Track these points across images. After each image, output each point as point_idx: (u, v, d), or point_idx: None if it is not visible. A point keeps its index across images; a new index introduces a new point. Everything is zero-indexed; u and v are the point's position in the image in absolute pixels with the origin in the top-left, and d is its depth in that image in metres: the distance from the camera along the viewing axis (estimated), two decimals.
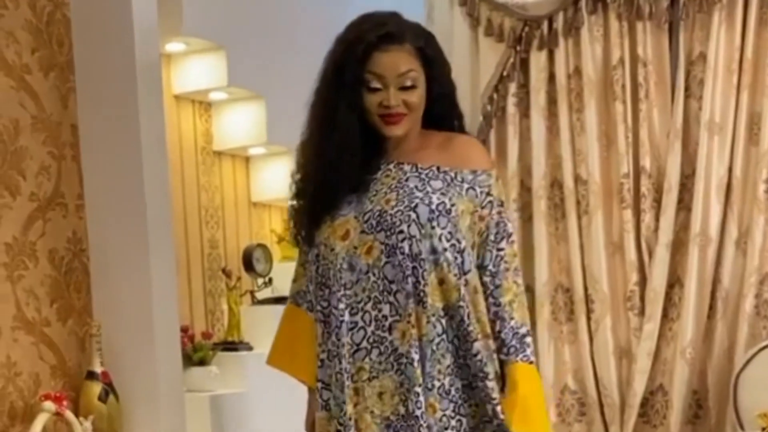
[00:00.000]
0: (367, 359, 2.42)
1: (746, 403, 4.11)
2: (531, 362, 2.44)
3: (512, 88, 4.60)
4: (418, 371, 2.37)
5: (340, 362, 2.42)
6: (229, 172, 4.20)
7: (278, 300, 4.14)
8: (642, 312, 4.52)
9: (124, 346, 3.52)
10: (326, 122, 2.42)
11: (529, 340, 2.45)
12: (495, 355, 2.42)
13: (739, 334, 4.40)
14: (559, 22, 4.59)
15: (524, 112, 4.63)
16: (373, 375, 2.42)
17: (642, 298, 4.52)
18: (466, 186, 2.43)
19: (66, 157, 3.50)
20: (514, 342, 2.41)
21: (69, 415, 3.30)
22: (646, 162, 4.53)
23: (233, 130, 4.11)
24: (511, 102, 4.60)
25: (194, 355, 3.85)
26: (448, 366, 2.42)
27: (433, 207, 2.38)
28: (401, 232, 2.37)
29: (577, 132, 4.61)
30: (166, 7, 3.59)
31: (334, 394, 2.47)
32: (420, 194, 2.39)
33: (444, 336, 2.40)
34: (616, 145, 4.56)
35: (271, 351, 2.78)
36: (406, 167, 2.44)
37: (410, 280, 2.37)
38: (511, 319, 2.42)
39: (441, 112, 2.54)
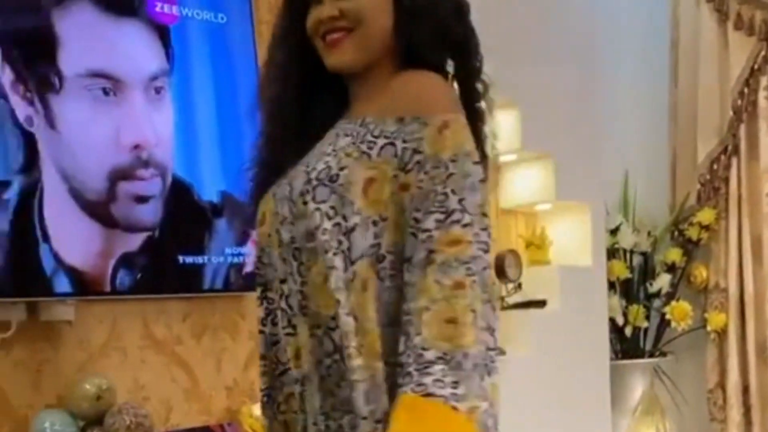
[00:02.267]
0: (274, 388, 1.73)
1: None
2: (429, 395, 1.47)
3: (764, 81, 4.46)
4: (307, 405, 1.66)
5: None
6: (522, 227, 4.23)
7: (528, 304, 4.13)
8: None
9: None
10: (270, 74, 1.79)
11: (438, 368, 1.48)
12: (384, 387, 1.57)
13: None
14: None
15: None
16: (281, 410, 1.71)
17: None
18: (381, 142, 1.61)
19: None
20: (411, 367, 1.50)
21: None
22: None
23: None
24: (762, 96, 4.46)
25: None
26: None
27: (312, 176, 1.62)
28: (277, 213, 1.69)
29: None
30: None
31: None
32: (316, 163, 1.65)
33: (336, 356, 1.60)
34: None
35: None
36: (341, 124, 1.71)
37: (292, 278, 1.65)
38: (417, 334, 1.51)
39: (424, 45, 1.70)
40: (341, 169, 1.60)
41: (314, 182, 1.61)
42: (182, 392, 3.02)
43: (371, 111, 1.66)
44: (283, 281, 1.65)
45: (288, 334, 1.65)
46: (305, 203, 1.61)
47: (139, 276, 2.80)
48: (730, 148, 4.50)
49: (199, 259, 2.96)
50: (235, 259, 3.03)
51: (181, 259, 2.92)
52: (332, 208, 1.59)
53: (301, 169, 1.65)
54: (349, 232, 1.59)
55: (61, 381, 2.70)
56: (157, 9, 2.90)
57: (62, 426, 2.56)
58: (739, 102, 4.47)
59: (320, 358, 1.60)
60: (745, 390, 4.43)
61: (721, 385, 4.49)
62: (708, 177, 4.54)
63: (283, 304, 1.65)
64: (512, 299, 4.17)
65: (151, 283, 2.85)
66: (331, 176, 1.60)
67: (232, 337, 3.17)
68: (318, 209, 1.59)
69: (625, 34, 4.75)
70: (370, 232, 1.59)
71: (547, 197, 4.22)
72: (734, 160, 4.50)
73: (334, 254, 1.58)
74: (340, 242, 1.58)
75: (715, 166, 4.53)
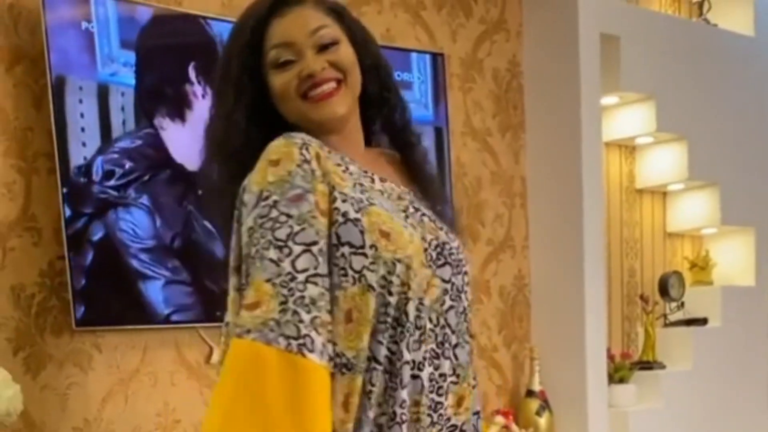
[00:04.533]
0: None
1: None
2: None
3: None
4: None
5: None
6: (648, 207, 4.57)
7: (690, 322, 4.50)
8: None
9: (557, 367, 4.02)
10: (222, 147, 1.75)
11: None
12: None
13: None
14: None
15: None
16: None
17: None
18: None
19: (516, 205, 4.04)
20: None
21: (514, 427, 3.87)
22: None
23: (655, 170, 4.48)
24: None
25: (615, 374, 4.26)
26: None
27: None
28: (466, 273, 1.76)
29: None
30: (607, 67, 4.01)
31: None
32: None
33: None
34: None
35: None
36: (398, 187, 1.77)
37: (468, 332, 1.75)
38: None
39: (375, 96, 1.83)
40: None
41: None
42: None
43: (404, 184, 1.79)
44: (454, 332, 1.72)
45: (452, 383, 1.72)
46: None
47: None
48: None
49: None
50: None
51: None
52: None
53: (385, 227, 1.64)
54: None
55: None
56: None
57: None
58: None
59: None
60: None
61: None
62: None
63: (451, 354, 1.72)
64: (674, 317, 4.55)
65: None
66: None
67: None
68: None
69: None
70: None
71: (712, 222, 4.56)
72: None
73: None
74: None
75: None
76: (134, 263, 2.91)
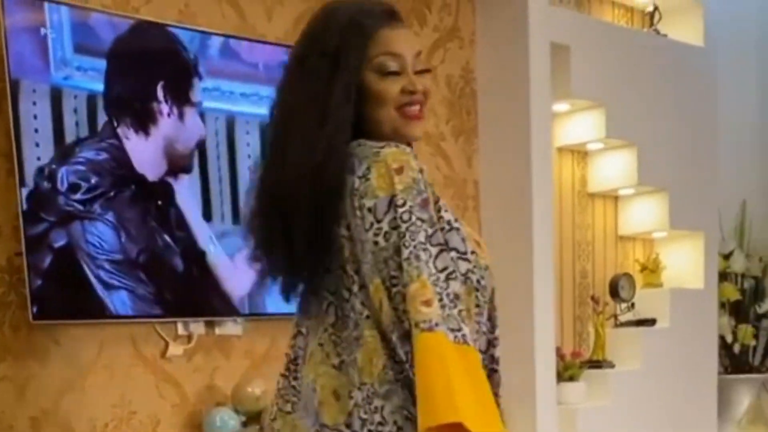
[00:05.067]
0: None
1: None
2: None
3: None
4: None
5: None
6: (600, 210, 4.71)
7: (639, 323, 4.63)
8: None
9: (507, 365, 4.12)
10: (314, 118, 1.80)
11: None
12: None
13: None
14: None
15: None
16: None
17: None
18: None
19: (468, 208, 4.17)
20: None
21: None
22: None
23: (606, 175, 4.62)
24: None
25: (565, 372, 4.38)
26: None
27: None
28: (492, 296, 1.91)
29: None
30: (557, 75, 4.14)
31: None
32: None
33: None
34: None
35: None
36: None
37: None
38: None
39: None
40: None
41: None
42: None
43: None
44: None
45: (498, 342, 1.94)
46: None
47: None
48: None
49: None
50: None
51: None
52: None
53: (474, 237, 1.86)
54: None
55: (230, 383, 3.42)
56: None
57: (229, 419, 3.29)
58: None
59: None
60: None
61: None
62: None
63: (496, 316, 1.92)
64: (625, 317, 4.69)
65: None
66: None
67: None
68: None
69: (744, 76, 5.14)
70: None
71: (662, 226, 4.70)
72: None
73: None
74: None
75: None
76: (94, 268, 3.04)
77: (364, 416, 1.75)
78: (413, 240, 1.68)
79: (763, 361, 5.00)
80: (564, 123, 4.45)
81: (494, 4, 4.08)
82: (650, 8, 4.71)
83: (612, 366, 4.49)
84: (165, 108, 3.15)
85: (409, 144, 1.84)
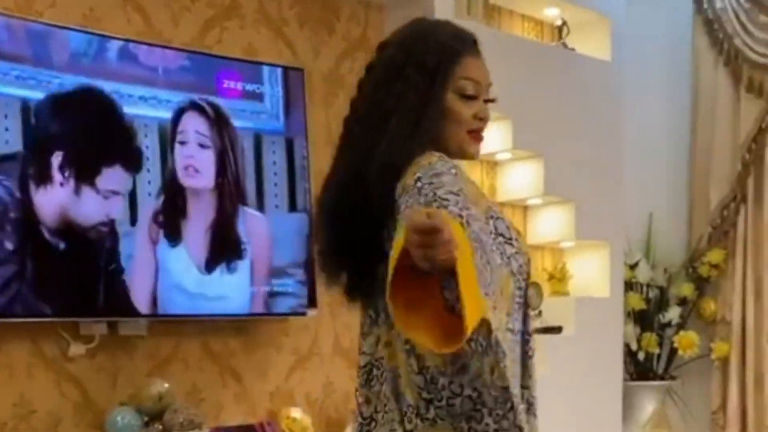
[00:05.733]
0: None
1: None
2: None
3: None
4: None
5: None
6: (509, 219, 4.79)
7: (546, 330, 4.74)
8: None
9: None
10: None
11: None
12: None
13: None
14: None
15: None
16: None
17: None
18: None
19: None
20: None
21: None
22: None
23: (515, 184, 4.74)
24: None
25: None
26: None
27: None
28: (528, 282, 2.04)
29: None
30: None
31: None
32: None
33: None
34: None
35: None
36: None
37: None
38: None
39: None
40: None
41: None
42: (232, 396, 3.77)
43: None
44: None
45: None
46: None
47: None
48: (738, 196, 5.04)
49: None
50: None
51: None
52: None
53: (515, 227, 2.02)
54: None
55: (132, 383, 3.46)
56: None
57: (131, 419, 3.32)
58: (748, 156, 5.00)
59: None
60: (743, 413, 4.97)
61: (723, 407, 5.03)
62: (719, 221, 5.09)
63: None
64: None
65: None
66: None
67: (277, 351, 3.89)
68: None
69: (651, 91, 5.30)
70: None
71: (568, 236, 4.83)
72: (742, 208, 5.04)
73: None
74: None
75: (725, 212, 5.07)
76: None
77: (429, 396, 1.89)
78: (435, 194, 1.78)
79: (666, 369, 5.14)
80: None
81: (402, 15, 4.14)
82: (559, 22, 4.84)
83: (559, 330, 4.57)
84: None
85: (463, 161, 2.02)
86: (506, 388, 1.85)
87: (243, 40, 3.77)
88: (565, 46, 4.81)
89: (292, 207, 3.80)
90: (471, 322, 1.64)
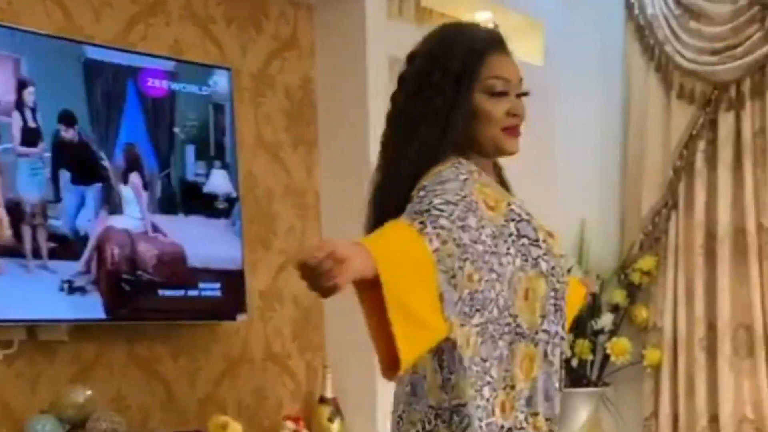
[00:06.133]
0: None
1: None
2: None
3: (701, 145, 4.96)
4: None
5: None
6: None
7: None
8: None
9: (350, 374, 4.14)
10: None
11: None
12: None
13: None
14: (746, 86, 4.96)
15: (711, 167, 4.97)
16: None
17: None
18: None
19: (309, 218, 4.16)
20: None
21: None
22: None
23: None
24: (699, 158, 4.97)
25: None
26: None
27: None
28: (567, 283, 2.11)
29: (761, 185, 4.96)
30: None
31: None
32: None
33: None
34: None
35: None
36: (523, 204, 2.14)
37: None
38: None
39: None
40: None
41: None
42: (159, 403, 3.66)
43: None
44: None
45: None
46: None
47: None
48: (669, 203, 5.03)
49: None
50: None
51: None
52: None
53: (546, 230, 2.10)
54: None
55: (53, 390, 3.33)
56: None
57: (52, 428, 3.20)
58: (679, 163, 5.00)
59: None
60: (675, 419, 4.96)
61: (655, 414, 5.01)
62: (650, 228, 5.08)
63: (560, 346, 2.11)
64: None
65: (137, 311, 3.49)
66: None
67: (205, 357, 3.79)
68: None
69: (583, 97, 5.30)
70: None
71: None
72: (673, 214, 5.03)
73: None
74: None
75: (656, 219, 5.06)
76: None
77: None
78: (431, 203, 1.89)
79: (600, 375, 5.12)
80: None
81: (332, 15, 4.12)
82: (491, 26, 4.81)
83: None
84: None
85: (494, 160, 2.16)
86: (463, 405, 1.93)
87: (169, 37, 3.69)
88: None
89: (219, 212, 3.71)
90: (404, 353, 1.73)
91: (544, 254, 2.02)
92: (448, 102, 2.02)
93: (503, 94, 2.06)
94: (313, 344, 4.16)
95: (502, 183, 2.23)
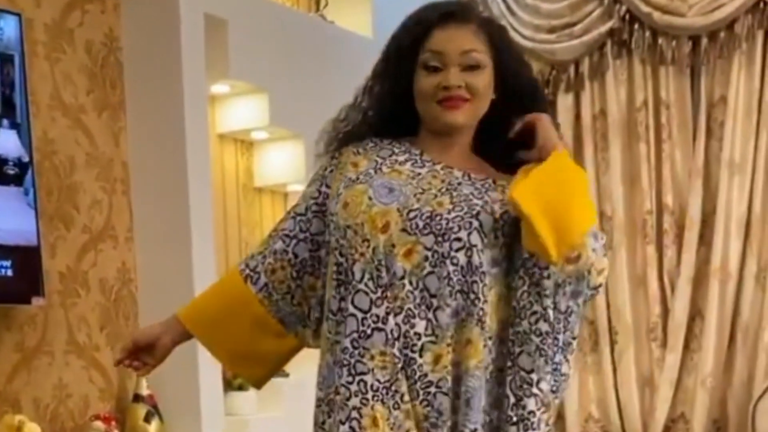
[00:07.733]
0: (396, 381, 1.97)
1: (764, 430, 4.28)
2: None
3: None
4: (449, 404, 1.97)
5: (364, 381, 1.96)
6: (269, 207, 4.42)
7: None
8: (664, 343, 4.72)
9: (168, 371, 3.73)
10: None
11: None
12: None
13: (758, 365, 4.57)
14: (585, 67, 4.85)
15: None
16: (404, 401, 1.97)
17: (664, 330, 4.73)
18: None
19: (117, 191, 3.75)
20: None
21: None
22: (669, 200, 4.74)
23: (274, 168, 4.34)
24: None
25: (234, 381, 4.05)
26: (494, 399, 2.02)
27: (497, 216, 1.99)
28: (458, 239, 1.97)
29: (602, 170, 4.83)
30: (214, 52, 3.85)
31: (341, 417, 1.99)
32: (479, 202, 2.01)
33: (494, 364, 2.01)
34: (639, 183, 4.77)
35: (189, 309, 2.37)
36: (457, 172, 2.06)
37: (459, 296, 1.97)
38: None
39: (507, 121, 2.08)
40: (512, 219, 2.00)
41: (501, 222, 2.00)
42: None
43: (491, 174, 2.07)
44: (432, 296, 1.96)
45: (430, 342, 1.96)
46: (496, 237, 2.00)
47: None
48: None
49: None
50: None
51: None
52: (509, 245, 2.02)
53: (462, 204, 2.00)
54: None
55: None
56: None
57: None
58: None
59: (487, 365, 1.99)
60: None
61: None
62: None
63: (430, 315, 1.96)
64: None
65: None
66: (510, 222, 1.99)
67: None
68: (505, 244, 2.01)
69: None
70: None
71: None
72: None
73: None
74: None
75: None
76: None
77: None
78: None
79: None
80: (224, 107, 4.16)
81: None
82: None
83: (286, 375, 4.19)
84: None
85: (448, 133, 2.08)
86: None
87: None
88: (323, 18, 4.49)
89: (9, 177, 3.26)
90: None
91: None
92: (389, 83, 2.10)
93: (437, 68, 2.04)
94: (125, 335, 3.72)
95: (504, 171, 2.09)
